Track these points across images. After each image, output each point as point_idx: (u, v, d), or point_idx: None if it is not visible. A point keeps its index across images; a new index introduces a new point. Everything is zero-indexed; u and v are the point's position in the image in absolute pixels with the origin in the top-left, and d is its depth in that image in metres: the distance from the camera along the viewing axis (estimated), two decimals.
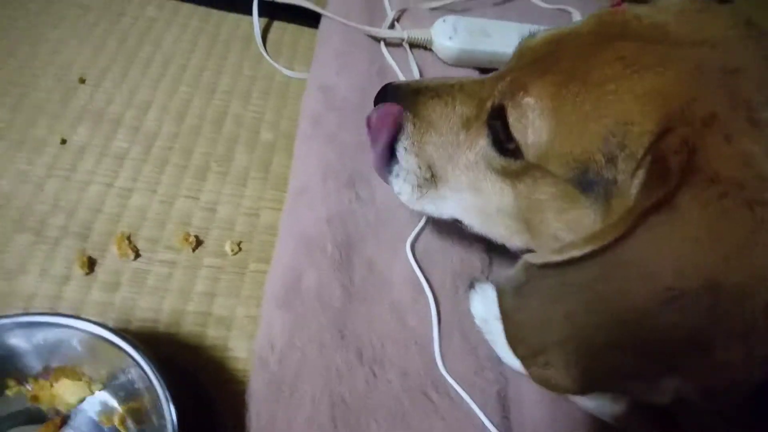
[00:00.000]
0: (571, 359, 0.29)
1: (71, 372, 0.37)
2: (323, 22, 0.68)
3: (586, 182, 0.31)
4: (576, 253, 0.27)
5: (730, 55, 0.29)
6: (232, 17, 0.69)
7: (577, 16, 0.77)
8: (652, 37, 0.31)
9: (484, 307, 0.49)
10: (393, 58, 0.66)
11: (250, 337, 0.45)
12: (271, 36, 0.69)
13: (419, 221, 0.53)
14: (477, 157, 0.39)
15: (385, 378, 0.44)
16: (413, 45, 0.68)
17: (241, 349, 0.45)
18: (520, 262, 0.30)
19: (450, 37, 0.65)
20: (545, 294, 0.30)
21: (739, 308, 0.24)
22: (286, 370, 0.43)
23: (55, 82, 0.57)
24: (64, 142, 0.53)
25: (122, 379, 0.37)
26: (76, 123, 0.55)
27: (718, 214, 0.25)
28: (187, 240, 0.49)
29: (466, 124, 0.40)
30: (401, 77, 0.64)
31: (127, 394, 0.37)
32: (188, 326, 0.46)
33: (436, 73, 0.66)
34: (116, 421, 0.37)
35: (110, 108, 0.57)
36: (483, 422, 0.44)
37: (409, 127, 0.42)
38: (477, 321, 0.49)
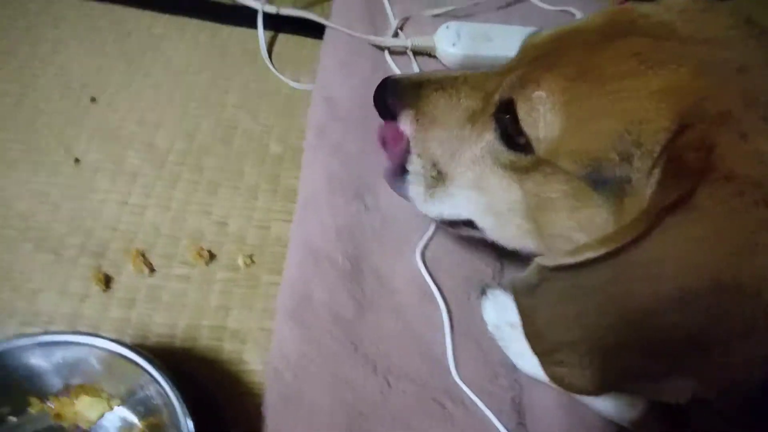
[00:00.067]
0: (585, 360, 0.29)
1: (91, 389, 0.38)
2: (327, 33, 0.69)
3: (599, 180, 0.30)
4: (591, 254, 0.27)
5: (736, 54, 0.29)
6: (238, 32, 0.69)
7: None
8: (661, 34, 0.31)
9: (497, 313, 0.48)
10: (397, 66, 0.66)
11: (265, 350, 0.46)
12: (276, 49, 0.69)
13: (426, 228, 0.53)
14: (483, 151, 0.38)
15: (399, 388, 0.44)
16: (417, 52, 0.69)
17: (256, 362, 0.46)
18: (533, 265, 0.30)
19: (453, 43, 0.65)
20: (557, 296, 0.30)
21: (739, 308, 0.24)
22: (300, 383, 0.43)
23: (65, 101, 0.58)
24: (77, 161, 0.54)
25: (141, 394, 0.38)
26: (89, 142, 0.56)
27: (736, 213, 0.25)
28: (200, 254, 0.50)
29: (472, 118, 0.39)
30: None
31: (145, 409, 0.38)
32: (204, 340, 0.46)
33: None
34: None
35: (122, 126, 0.58)
36: (498, 429, 0.44)
37: (412, 126, 0.41)
38: (489, 327, 0.49)
